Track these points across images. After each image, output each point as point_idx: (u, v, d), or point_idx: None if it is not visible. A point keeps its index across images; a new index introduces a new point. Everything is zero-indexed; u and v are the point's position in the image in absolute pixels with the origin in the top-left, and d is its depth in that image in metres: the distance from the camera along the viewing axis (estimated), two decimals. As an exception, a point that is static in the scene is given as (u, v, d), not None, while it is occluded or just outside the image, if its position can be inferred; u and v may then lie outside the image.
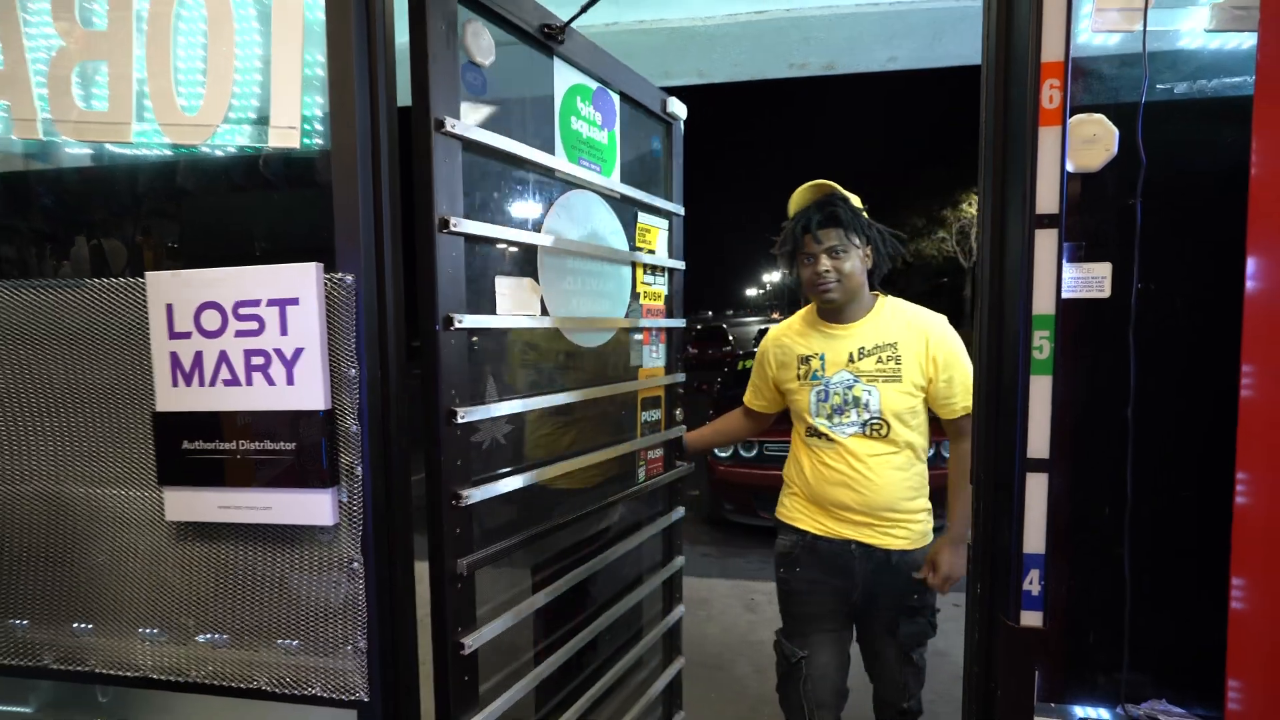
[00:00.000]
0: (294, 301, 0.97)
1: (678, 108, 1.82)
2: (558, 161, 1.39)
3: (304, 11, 1.01)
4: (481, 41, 1.22)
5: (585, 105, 1.50)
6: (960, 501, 1.52)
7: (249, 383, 1.00)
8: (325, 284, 0.98)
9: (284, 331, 0.98)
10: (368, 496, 1.02)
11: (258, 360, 0.99)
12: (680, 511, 1.88)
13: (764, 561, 3.70)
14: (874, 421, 1.49)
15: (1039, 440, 0.82)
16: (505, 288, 1.28)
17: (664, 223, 1.84)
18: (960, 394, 1.49)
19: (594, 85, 1.52)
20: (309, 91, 1.03)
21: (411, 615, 1.10)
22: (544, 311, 1.37)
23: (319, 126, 1.04)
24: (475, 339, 1.19)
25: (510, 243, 1.29)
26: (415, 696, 1.11)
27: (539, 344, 1.44)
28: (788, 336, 1.65)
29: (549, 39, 1.33)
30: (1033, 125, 0.79)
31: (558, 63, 1.39)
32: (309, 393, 0.98)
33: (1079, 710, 0.92)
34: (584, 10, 1.35)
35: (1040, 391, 0.82)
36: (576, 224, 1.49)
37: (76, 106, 1.07)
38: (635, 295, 1.71)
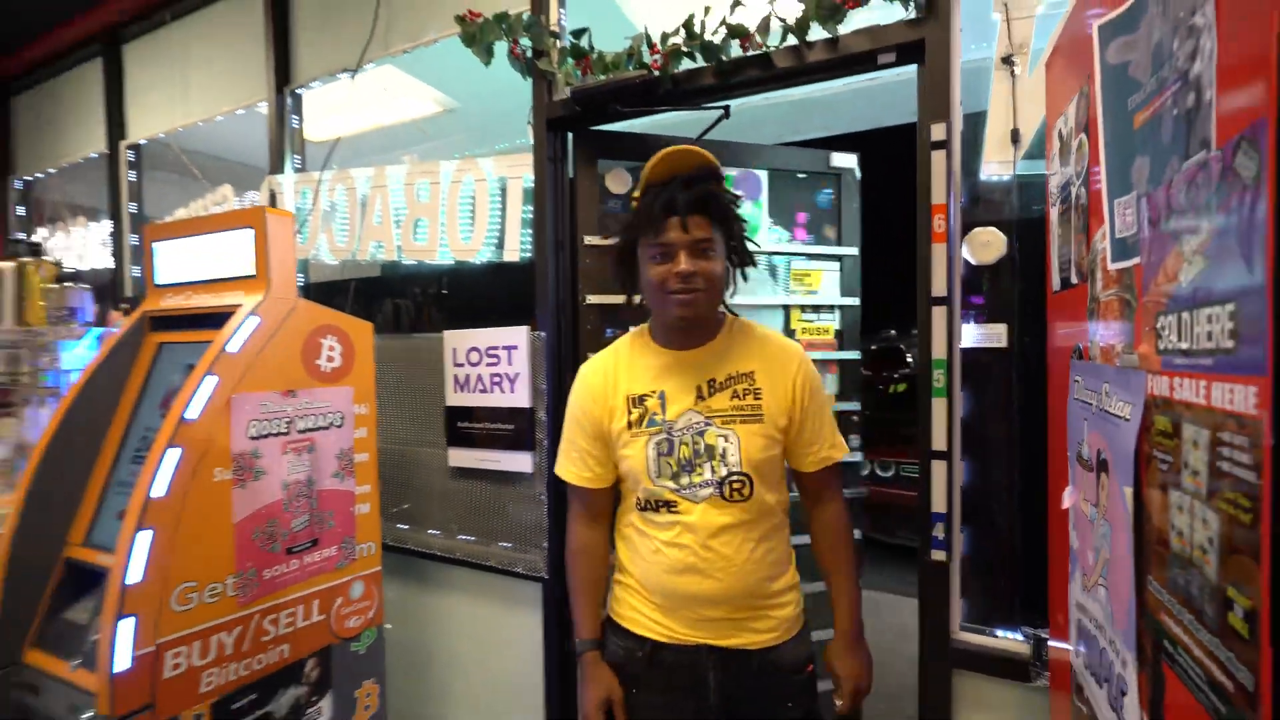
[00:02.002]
0: (514, 347, 1.77)
1: (844, 160, 1.98)
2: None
3: (523, 185, 1.82)
4: (620, 178, 1.95)
5: (724, 190, 2.04)
6: (843, 584, 1.15)
7: (491, 391, 1.81)
8: (530, 338, 1.76)
9: (509, 363, 1.78)
10: (549, 459, 1.77)
11: (495, 379, 1.80)
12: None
13: (895, 578, 3.94)
14: (734, 479, 1.08)
15: (939, 438, 1.27)
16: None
17: (831, 265, 2.04)
18: (828, 436, 1.14)
19: (735, 172, 1.95)
20: (524, 227, 1.83)
21: (572, 533, 1.83)
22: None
23: (529, 246, 1.84)
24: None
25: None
26: (573, 583, 1.84)
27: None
28: (609, 372, 1.18)
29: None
30: (928, 242, 1.27)
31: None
32: (521, 397, 1.77)
33: (999, 631, 1.32)
34: (705, 134, 1.97)
35: (939, 408, 1.27)
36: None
37: (411, 241, 2.00)
38: (790, 333, 1.97)
